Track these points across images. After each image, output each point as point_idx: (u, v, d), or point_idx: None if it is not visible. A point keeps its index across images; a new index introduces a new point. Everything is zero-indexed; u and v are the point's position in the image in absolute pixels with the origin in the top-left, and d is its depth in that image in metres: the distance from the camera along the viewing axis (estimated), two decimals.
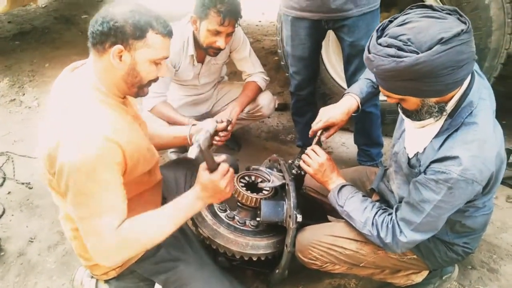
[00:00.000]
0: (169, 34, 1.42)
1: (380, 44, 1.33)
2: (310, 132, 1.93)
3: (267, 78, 2.80)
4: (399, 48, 1.28)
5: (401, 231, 1.52)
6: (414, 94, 1.38)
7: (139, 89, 1.47)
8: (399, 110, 1.55)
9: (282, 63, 3.28)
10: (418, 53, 1.25)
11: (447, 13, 1.32)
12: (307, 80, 2.65)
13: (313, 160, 1.79)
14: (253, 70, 2.74)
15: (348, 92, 1.95)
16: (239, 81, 2.94)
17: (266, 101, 2.79)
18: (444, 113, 1.42)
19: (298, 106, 2.81)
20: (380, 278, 1.88)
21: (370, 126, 2.72)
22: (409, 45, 1.27)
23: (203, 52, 2.48)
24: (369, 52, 1.37)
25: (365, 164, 2.80)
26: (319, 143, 1.91)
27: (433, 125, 1.47)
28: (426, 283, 1.90)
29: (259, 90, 2.75)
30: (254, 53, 2.76)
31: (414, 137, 1.58)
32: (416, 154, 1.56)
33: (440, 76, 1.28)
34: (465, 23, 1.29)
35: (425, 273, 1.87)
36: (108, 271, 1.64)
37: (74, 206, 1.36)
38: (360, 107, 1.93)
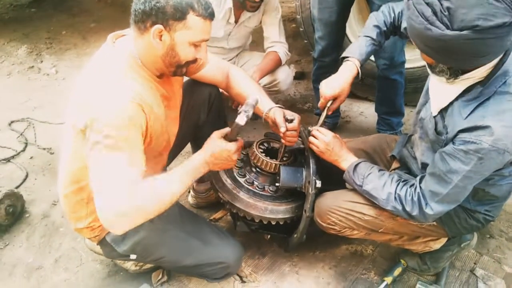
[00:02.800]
0: (210, 16, 1.41)
1: None
2: (320, 107, 1.86)
3: (288, 53, 2.75)
4: (435, 12, 1.21)
5: (427, 203, 1.51)
6: (429, 55, 1.36)
7: (177, 69, 1.48)
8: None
9: (301, 29, 3.22)
10: (448, 27, 1.19)
11: None
12: (331, 46, 2.59)
13: (320, 140, 1.76)
14: (278, 38, 2.68)
15: (347, 57, 1.84)
16: (259, 51, 2.90)
17: (284, 76, 2.74)
18: (458, 78, 1.37)
19: (320, 73, 2.77)
20: (398, 244, 1.89)
21: (393, 95, 2.68)
22: (444, 15, 1.19)
23: (240, 11, 2.45)
24: None
25: (384, 133, 2.76)
26: (326, 116, 1.87)
27: (454, 85, 1.43)
28: (444, 250, 1.91)
29: (279, 62, 2.70)
30: (282, 25, 2.71)
31: (438, 93, 1.54)
32: (442, 117, 1.52)
33: (458, 58, 1.26)
34: None
35: (443, 240, 1.88)
36: (91, 237, 1.69)
37: (98, 159, 1.34)
38: (359, 72, 1.83)
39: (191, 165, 1.53)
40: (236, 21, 2.55)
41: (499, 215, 1.77)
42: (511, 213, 2.30)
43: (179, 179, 1.47)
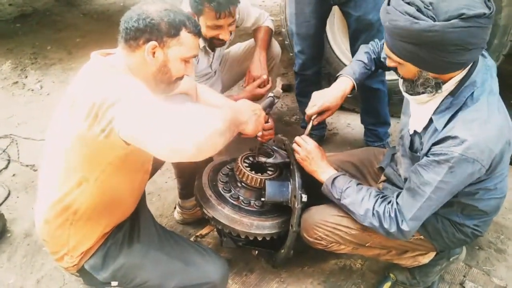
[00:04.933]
0: (199, 33, 1.48)
1: None
2: (306, 117, 1.88)
3: (272, 18, 2.69)
4: (419, 9, 1.26)
5: (403, 220, 1.50)
6: (415, 61, 1.37)
7: (167, 86, 1.50)
8: (399, 79, 1.54)
9: (286, 42, 3.23)
10: (435, 20, 1.23)
11: None
12: (311, 59, 2.61)
13: (302, 147, 1.76)
14: (263, 19, 2.62)
15: (341, 74, 1.89)
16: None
17: (276, 50, 2.71)
18: (439, 91, 1.40)
19: (302, 86, 2.78)
20: (386, 259, 1.86)
21: (377, 104, 2.69)
22: (429, 9, 1.25)
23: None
24: (389, 4, 1.35)
25: (372, 144, 2.78)
26: (312, 127, 1.88)
27: (433, 102, 1.46)
28: (433, 265, 1.89)
29: (272, 31, 2.64)
30: (252, 7, 2.63)
31: (416, 115, 1.57)
32: (419, 135, 1.55)
33: (446, 51, 1.27)
34: (489, 8, 1.26)
35: (432, 255, 1.85)
36: (68, 266, 1.62)
37: (131, 119, 1.24)
38: (355, 87, 1.87)
39: (222, 107, 1.43)
40: (213, 49, 2.47)
41: (487, 230, 1.76)
42: (499, 224, 2.30)
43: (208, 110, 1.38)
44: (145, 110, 1.25)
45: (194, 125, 1.24)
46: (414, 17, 1.25)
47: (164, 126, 1.22)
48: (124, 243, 1.63)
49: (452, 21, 1.22)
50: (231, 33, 2.29)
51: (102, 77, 1.36)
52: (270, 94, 1.80)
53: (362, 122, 2.86)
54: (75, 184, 1.45)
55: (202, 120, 1.28)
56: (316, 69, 2.70)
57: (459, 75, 1.39)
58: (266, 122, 1.79)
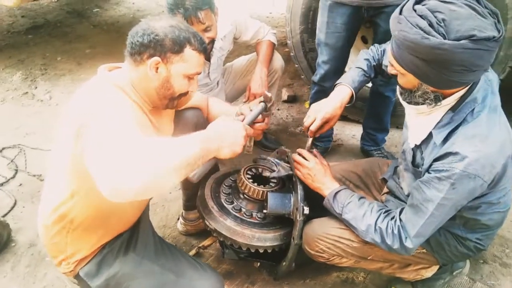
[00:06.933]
0: (204, 51, 1.49)
1: (415, 11, 1.29)
2: (309, 133, 1.84)
3: (274, 31, 2.72)
4: (430, 24, 1.25)
5: (406, 237, 1.49)
6: (417, 74, 1.37)
7: (170, 101, 1.52)
8: (397, 86, 1.53)
9: (292, 54, 3.25)
10: (445, 38, 1.23)
11: (488, 12, 1.28)
12: (334, 71, 2.56)
13: (302, 166, 1.75)
14: (264, 33, 2.65)
15: (339, 83, 1.88)
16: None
17: (279, 64, 2.73)
18: (439, 104, 1.40)
19: (318, 97, 2.76)
20: (388, 272, 1.85)
21: (383, 111, 2.74)
22: (441, 26, 1.24)
23: None
24: (400, 13, 1.33)
25: (368, 148, 2.85)
26: (314, 139, 1.86)
27: (432, 114, 1.45)
28: (436, 278, 1.87)
29: (274, 45, 2.67)
30: (253, 20, 2.66)
31: (414, 127, 1.57)
32: (420, 150, 1.54)
33: (450, 70, 1.27)
34: (499, 31, 1.26)
35: (435, 268, 1.84)
36: (66, 271, 1.64)
37: (94, 142, 1.23)
38: (354, 96, 1.85)
39: (190, 136, 1.30)
40: (209, 59, 2.50)
41: (490, 243, 1.74)
42: (504, 238, 2.27)
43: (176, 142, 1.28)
44: (102, 144, 1.19)
45: (142, 165, 1.15)
46: (425, 32, 1.24)
47: (112, 163, 1.14)
48: (120, 251, 1.64)
49: (462, 41, 1.21)
50: (212, 41, 2.29)
51: (90, 96, 1.39)
52: (261, 99, 1.70)
53: (363, 125, 2.91)
54: (69, 195, 1.47)
55: (154, 159, 1.17)
56: (335, 82, 2.70)
57: (461, 92, 1.39)
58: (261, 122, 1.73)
